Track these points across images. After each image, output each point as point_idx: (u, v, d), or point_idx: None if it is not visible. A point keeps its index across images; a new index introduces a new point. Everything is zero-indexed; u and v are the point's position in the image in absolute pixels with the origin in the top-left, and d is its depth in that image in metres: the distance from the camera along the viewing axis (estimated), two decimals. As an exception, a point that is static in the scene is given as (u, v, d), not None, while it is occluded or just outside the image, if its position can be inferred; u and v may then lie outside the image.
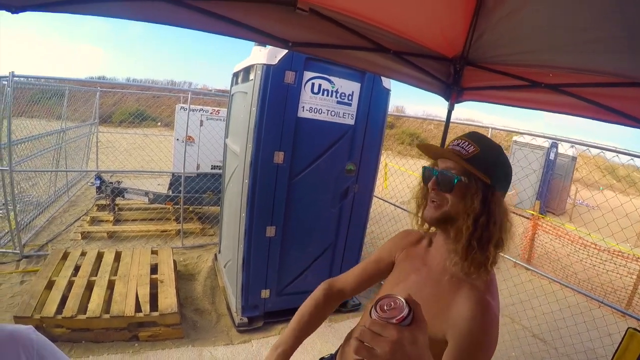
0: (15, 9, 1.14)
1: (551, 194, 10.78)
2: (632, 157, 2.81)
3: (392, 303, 0.66)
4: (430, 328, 0.78)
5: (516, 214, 8.92)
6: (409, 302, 0.66)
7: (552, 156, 10.29)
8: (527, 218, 7.78)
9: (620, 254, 5.27)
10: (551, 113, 1.97)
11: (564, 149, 10.72)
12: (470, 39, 1.80)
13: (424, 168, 1.04)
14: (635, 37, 1.22)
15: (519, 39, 1.65)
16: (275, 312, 3.24)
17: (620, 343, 1.98)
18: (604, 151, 2.96)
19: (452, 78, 2.11)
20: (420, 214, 1.09)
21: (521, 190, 9.42)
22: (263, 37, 1.59)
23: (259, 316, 3.21)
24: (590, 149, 3.09)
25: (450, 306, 0.92)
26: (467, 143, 0.97)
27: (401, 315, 0.63)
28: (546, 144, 9.75)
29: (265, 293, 3.12)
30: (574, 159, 11.32)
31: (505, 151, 1.04)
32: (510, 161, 1.02)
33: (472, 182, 0.94)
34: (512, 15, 1.52)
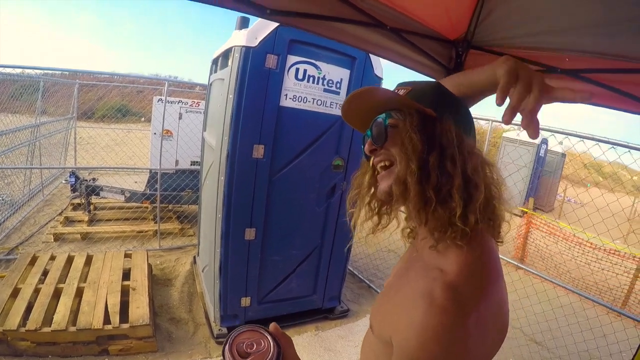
0: None
1: (540, 191, 10.70)
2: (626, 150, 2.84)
3: (255, 343, 0.57)
4: (379, 333, 0.70)
5: (507, 211, 8.86)
6: (277, 340, 0.58)
7: (542, 153, 10.17)
8: (519, 216, 7.71)
9: (615, 252, 5.13)
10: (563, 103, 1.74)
11: (553, 145, 10.60)
12: (477, 18, 1.56)
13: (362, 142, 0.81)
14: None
15: (533, 18, 1.41)
16: (257, 321, 2.96)
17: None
18: (590, 147, 3.00)
19: (454, 63, 1.87)
20: (373, 197, 0.80)
21: (511, 185, 9.27)
22: (233, 3, 1.32)
23: (240, 326, 2.94)
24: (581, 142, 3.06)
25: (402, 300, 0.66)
26: (396, 90, 0.77)
27: None
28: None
29: (245, 301, 2.86)
30: (563, 155, 11.25)
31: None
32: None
33: (406, 116, 0.71)
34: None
